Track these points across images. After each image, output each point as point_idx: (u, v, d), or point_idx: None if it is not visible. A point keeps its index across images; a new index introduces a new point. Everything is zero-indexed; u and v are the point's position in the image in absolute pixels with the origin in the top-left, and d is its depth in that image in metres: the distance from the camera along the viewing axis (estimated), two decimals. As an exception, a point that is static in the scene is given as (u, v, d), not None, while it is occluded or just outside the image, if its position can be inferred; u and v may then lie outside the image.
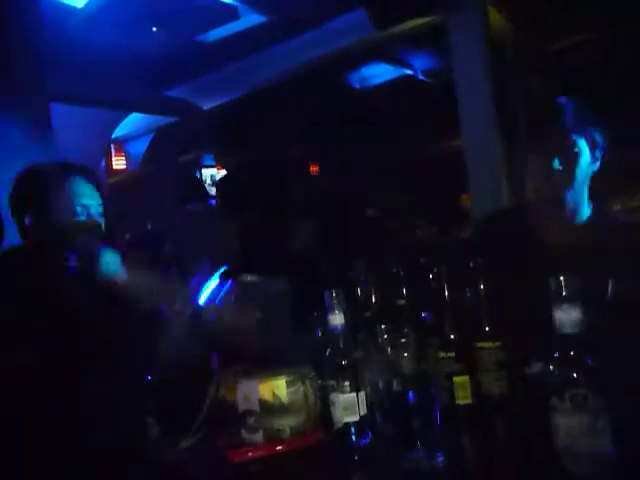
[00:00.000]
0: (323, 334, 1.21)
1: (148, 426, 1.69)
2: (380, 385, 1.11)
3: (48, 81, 2.70)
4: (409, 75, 5.88)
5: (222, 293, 1.75)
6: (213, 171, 6.06)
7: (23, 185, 1.55)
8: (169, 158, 5.81)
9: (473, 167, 3.31)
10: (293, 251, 1.99)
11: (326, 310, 1.16)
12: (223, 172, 5.94)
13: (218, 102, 5.51)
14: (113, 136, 5.60)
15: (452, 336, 1.23)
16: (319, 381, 1.23)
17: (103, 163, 5.64)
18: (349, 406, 1.15)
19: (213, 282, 1.84)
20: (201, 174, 6.02)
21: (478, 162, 3.27)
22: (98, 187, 1.60)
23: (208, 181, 5.75)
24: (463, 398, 1.20)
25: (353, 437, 1.15)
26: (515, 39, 3.25)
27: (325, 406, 1.21)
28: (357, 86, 6.26)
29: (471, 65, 3.28)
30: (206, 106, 5.56)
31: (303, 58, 5.16)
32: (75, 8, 4.12)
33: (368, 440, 1.16)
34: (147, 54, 4.88)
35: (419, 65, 5.87)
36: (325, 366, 1.18)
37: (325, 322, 1.18)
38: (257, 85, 5.10)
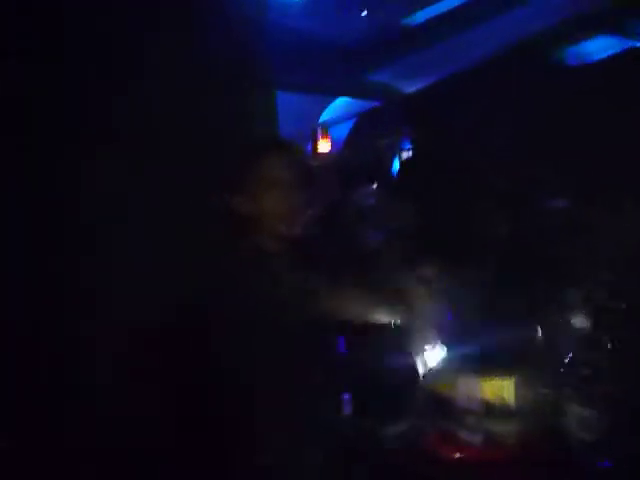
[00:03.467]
0: (556, 335, 1.08)
1: (342, 402, 1.72)
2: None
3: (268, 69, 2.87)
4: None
5: None
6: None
7: None
8: (369, 142, 5.90)
9: None
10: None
11: (562, 310, 1.03)
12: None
13: (420, 85, 5.43)
14: (320, 120, 5.85)
15: None
16: (549, 389, 1.11)
17: (309, 146, 5.92)
18: (587, 421, 1.02)
19: None
20: (400, 158, 6.00)
21: None
22: None
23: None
24: None
25: (590, 457, 1.01)
26: None
27: (556, 417, 1.08)
28: (574, 63, 5.67)
29: None
30: (408, 90, 5.52)
31: (514, 36, 4.82)
32: (290, -1, 4.34)
33: (609, 463, 1.01)
34: (354, 39, 4.98)
35: (656, 36, 5.09)
36: (562, 373, 1.06)
37: (559, 321, 1.06)
38: (463, 66, 4.89)
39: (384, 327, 1.49)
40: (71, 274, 1.92)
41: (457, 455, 1.12)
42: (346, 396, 1.73)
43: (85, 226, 1.98)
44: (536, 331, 1.21)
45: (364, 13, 4.83)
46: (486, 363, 1.18)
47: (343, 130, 6.15)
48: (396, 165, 6.28)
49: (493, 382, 1.11)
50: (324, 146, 5.94)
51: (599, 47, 5.38)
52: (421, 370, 1.20)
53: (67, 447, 1.79)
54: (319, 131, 6.01)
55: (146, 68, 2.15)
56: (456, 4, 4.61)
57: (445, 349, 1.29)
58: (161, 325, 1.62)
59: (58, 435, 1.79)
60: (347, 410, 1.71)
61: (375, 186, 4.06)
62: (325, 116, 6.08)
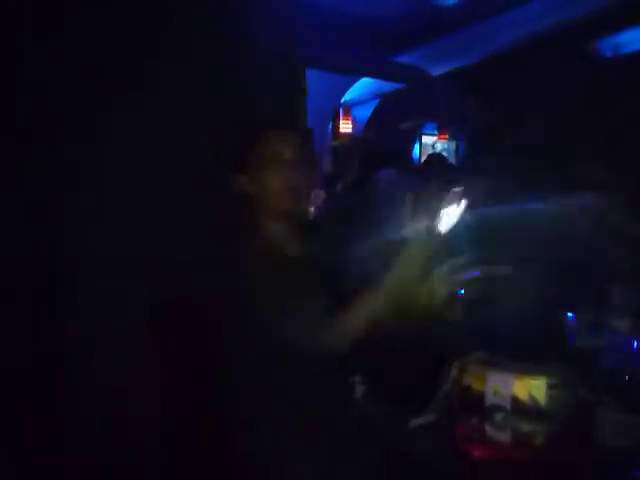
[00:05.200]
0: (598, 337, 1.04)
1: (354, 385, 1.68)
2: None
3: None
4: (679, 41, 4.98)
5: None
6: (433, 139, 5.91)
7: None
8: (391, 124, 5.81)
9: None
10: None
11: (609, 311, 0.98)
12: (444, 141, 5.74)
13: (448, 68, 5.31)
14: (342, 100, 5.76)
15: None
16: (583, 392, 1.06)
17: (330, 126, 5.84)
18: (623, 428, 0.98)
19: None
20: (421, 142, 5.91)
21: None
22: None
23: (429, 150, 5.62)
24: None
25: (625, 465, 0.97)
26: None
27: (589, 420, 1.04)
28: (609, 54, 5.52)
29: None
30: (435, 72, 5.40)
31: (547, 22, 4.70)
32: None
33: (643, 473, 0.97)
34: (383, 19, 4.86)
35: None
36: (596, 377, 1.01)
37: (604, 324, 1.01)
38: (494, 51, 4.77)
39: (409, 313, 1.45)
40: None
41: (482, 452, 1.08)
42: (359, 379, 1.69)
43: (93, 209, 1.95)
44: (573, 331, 1.16)
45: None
46: (519, 360, 1.13)
47: (366, 110, 6.06)
48: (417, 147, 6.20)
49: (525, 380, 1.06)
50: (346, 126, 5.87)
51: (635, 39, 5.22)
52: (450, 360, 1.16)
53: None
54: (341, 111, 5.94)
55: (174, 44, 2.09)
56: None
57: (479, 341, 1.25)
58: (164, 314, 1.59)
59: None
60: (360, 395, 1.67)
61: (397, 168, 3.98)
62: (348, 96, 5.98)
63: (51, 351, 1.86)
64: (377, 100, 5.91)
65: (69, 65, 1.90)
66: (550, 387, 1.04)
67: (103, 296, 1.88)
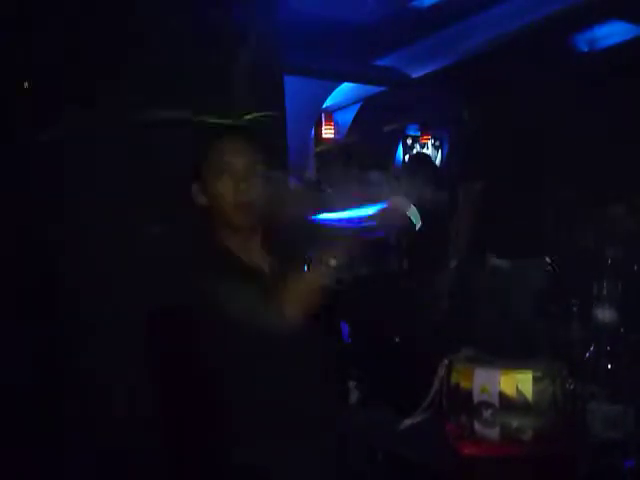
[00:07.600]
0: (585, 328, 1.03)
1: (349, 390, 1.67)
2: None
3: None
4: (654, 34, 5.03)
5: None
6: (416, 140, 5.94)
7: None
8: (374, 127, 5.82)
9: None
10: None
11: (594, 302, 0.98)
12: (429, 142, 5.77)
13: (428, 70, 5.34)
14: (324, 105, 5.76)
15: None
16: (571, 384, 1.05)
17: (312, 132, 5.84)
18: (611, 420, 0.97)
19: None
20: (405, 144, 5.94)
21: None
22: None
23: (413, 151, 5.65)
24: None
25: (616, 456, 0.96)
26: None
27: (578, 413, 1.03)
28: (585, 49, 5.57)
29: None
30: (415, 74, 5.42)
31: (524, 20, 4.73)
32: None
33: (633, 464, 0.96)
34: (362, 23, 4.86)
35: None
36: (584, 368, 1.01)
37: (589, 315, 1.00)
38: (473, 51, 4.80)
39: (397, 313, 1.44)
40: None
41: (472, 449, 1.07)
42: (352, 384, 1.68)
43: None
44: (559, 323, 1.16)
45: (369, -4, 4.71)
46: (506, 355, 1.13)
47: (348, 115, 6.06)
48: (400, 150, 6.22)
49: (511, 374, 1.05)
50: (328, 132, 5.88)
51: (611, 33, 5.26)
52: (436, 359, 1.15)
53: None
54: (323, 116, 5.95)
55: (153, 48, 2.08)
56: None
57: (465, 338, 1.24)
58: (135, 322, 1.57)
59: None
60: (353, 400, 1.67)
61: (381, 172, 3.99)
62: (329, 101, 5.99)
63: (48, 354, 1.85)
64: (359, 104, 5.93)
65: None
66: (536, 380, 1.04)
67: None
